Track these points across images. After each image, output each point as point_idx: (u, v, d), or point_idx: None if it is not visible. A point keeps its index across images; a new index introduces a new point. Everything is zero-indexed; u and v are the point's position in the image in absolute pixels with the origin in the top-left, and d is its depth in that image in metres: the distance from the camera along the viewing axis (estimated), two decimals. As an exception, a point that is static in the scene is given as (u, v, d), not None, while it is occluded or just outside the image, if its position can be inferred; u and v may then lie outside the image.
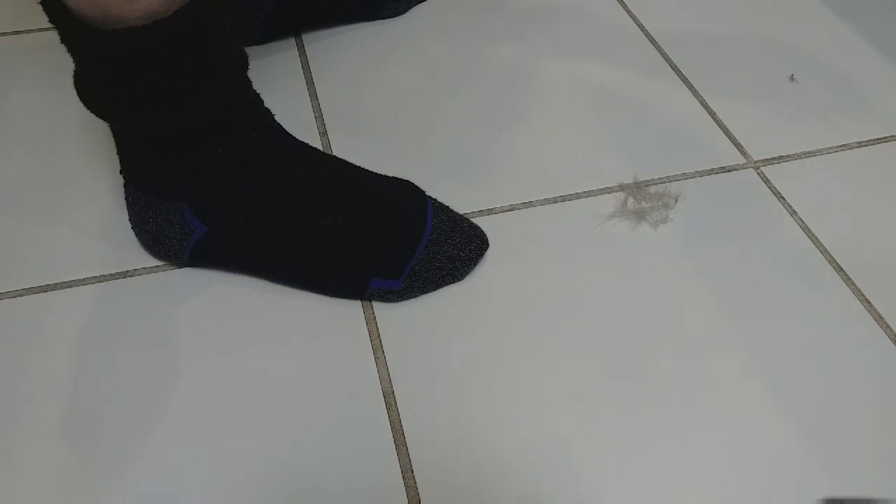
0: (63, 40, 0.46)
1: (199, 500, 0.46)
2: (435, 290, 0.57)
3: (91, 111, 0.49)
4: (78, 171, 0.64)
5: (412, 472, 0.48)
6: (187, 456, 0.48)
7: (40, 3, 0.44)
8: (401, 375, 0.52)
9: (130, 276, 0.57)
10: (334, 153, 0.66)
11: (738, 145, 0.70)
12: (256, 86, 0.53)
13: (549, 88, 0.74)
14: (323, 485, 0.47)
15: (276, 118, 0.54)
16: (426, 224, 0.56)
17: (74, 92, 0.49)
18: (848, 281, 0.60)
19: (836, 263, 0.61)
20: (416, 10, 0.81)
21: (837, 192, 0.66)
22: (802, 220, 0.64)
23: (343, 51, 0.76)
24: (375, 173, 0.57)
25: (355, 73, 0.74)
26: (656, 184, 0.66)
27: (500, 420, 0.51)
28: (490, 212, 0.63)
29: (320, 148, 0.66)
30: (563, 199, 0.64)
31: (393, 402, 0.51)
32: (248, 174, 0.52)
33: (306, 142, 0.56)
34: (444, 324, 0.55)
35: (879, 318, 0.58)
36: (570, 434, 0.50)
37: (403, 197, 0.57)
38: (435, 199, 0.59)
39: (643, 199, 0.64)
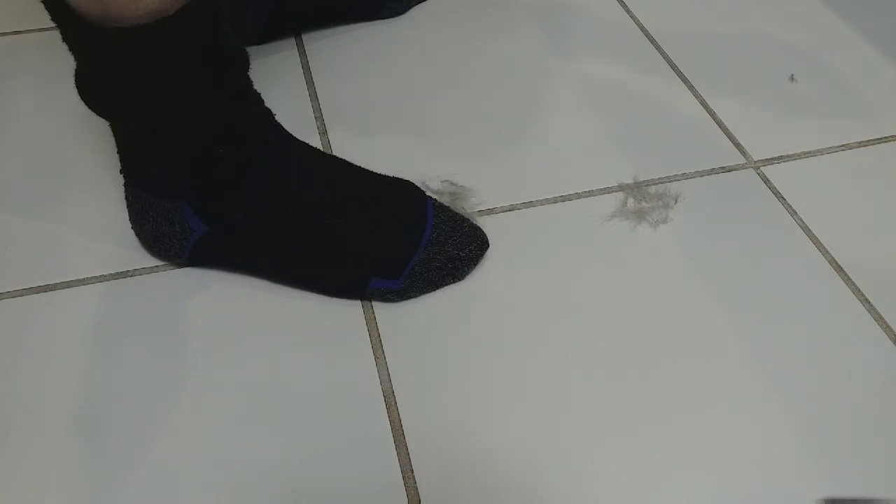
0: (64, 39, 0.46)
1: (197, 499, 0.46)
2: (435, 290, 0.57)
3: (92, 110, 0.49)
4: (78, 171, 0.64)
5: (412, 472, 0.48)
6: (187, 455, 0.48)
7: (42, 0, 0.44)
8: (401, 375, 0.52)
9: (130, 275, 0.57)
10: (334, 153, 0.66)
11: (738, 145, 0.70)
12: (256, 86, 0.53)
13: (548, 89, 0.74)
14: (323, 485, 0.47)
15: (277, 118, 0.54)
16: (426, 224, 0.56)
17: (75, 92, 0.49)
18: (848, 281, 0.60)
19: (836, 263, 0.61)
20: (416, 10, 0.81)
21: (837, 192, 0.66)
22: (802, 220, 0.64)
23: (343, 51, 0.76)
24: (376, 173, 0.57)
25: (355, 74, 0.74)
26: (656, 184, 0.66)
27: (500, 420, 0.51)
28: (490, 212, 0.63)
29: (320, 148, 0.66)
30: (563, 199, 0.64)
31: (393, 402, 0.51)
32: (249, 174, 0.52)
33: (306, 142, 0.56)
34: (444, 324, 0.55)
35: (879, 318, 0.58)
36: (570, 434, 0.50)
37: (404, 197, 0.57)
38: (435, 200, 0.58)
39: (643, 199, 0.64)
